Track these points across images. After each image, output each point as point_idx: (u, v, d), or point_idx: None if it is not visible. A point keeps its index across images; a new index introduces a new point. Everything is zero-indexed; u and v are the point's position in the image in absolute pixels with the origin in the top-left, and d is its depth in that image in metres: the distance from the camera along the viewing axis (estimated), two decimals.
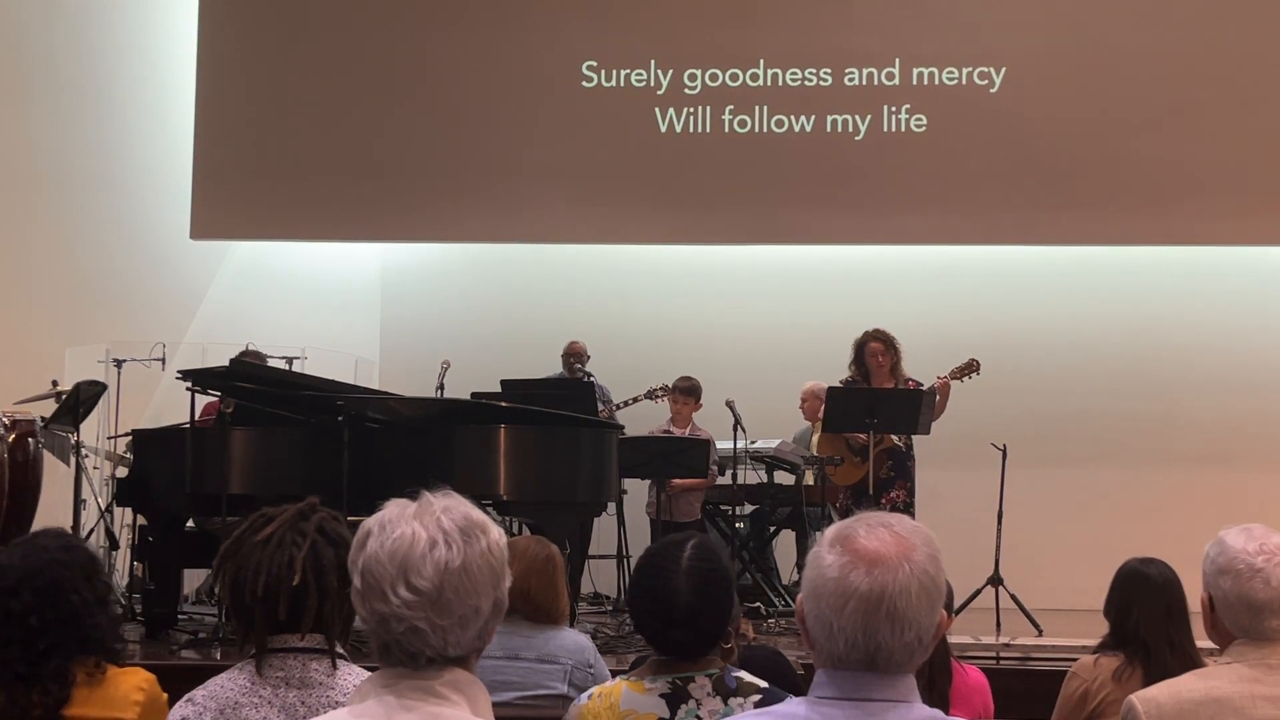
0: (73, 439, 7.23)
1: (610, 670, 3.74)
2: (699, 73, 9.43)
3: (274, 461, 6.43)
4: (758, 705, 2.51)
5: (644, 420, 8.30)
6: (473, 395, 7.29)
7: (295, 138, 9.59)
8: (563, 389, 7.95)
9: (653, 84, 9.46)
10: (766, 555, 8.27)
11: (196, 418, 6.79)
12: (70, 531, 3.04)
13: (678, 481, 7.84)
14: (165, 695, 2.72)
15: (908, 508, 7.42)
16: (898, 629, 1.70)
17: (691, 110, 9.42)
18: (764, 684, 2.60)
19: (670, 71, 9.44)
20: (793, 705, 1.83)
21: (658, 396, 8.25)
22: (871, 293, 9.21)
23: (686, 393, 8.12)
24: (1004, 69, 9.22)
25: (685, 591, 2.57)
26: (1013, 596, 7.00)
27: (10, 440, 7.03)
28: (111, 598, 2.81)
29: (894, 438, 7.43)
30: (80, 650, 2.65)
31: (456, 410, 6.85)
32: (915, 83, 9.27)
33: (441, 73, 9.56)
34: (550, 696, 3.54)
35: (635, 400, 8.30)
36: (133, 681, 2.68)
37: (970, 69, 9.25)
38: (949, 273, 9.43)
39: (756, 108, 9.38)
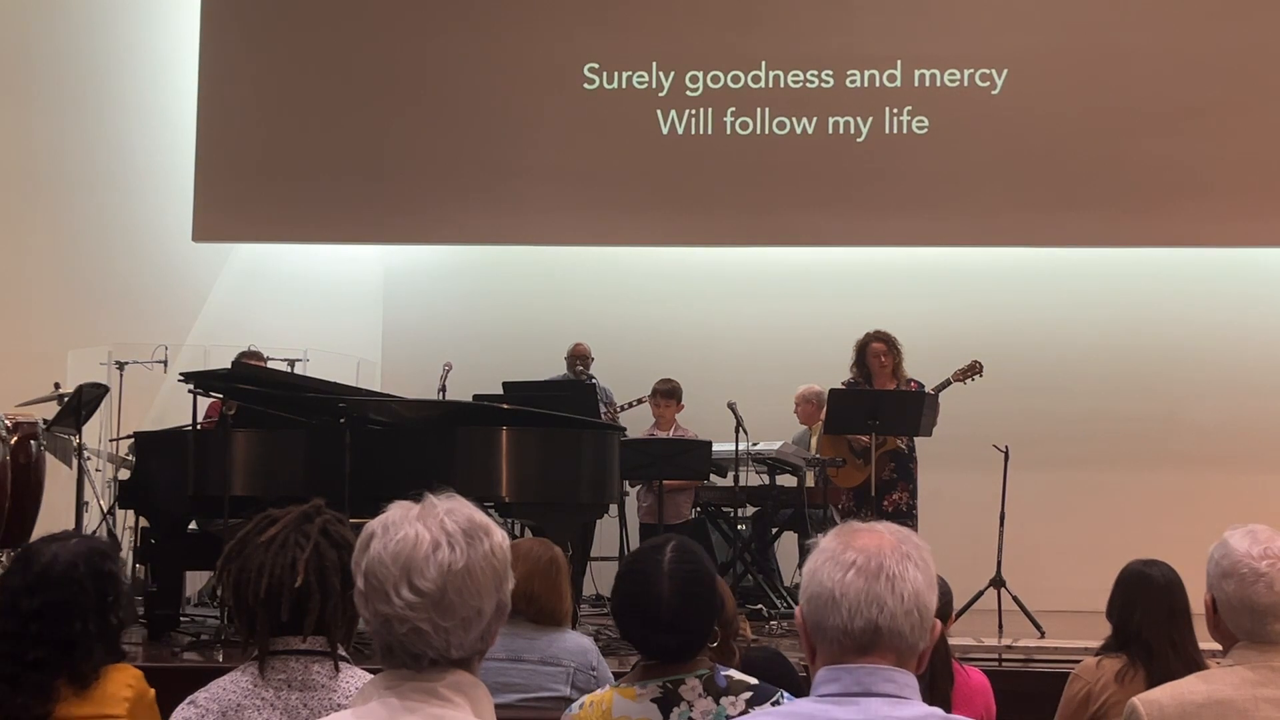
0: (75, 441, 7.23)
1: (613, 672, 3.74)
2: (701, 74, 9.42)
3: (276, 464, 6.42)
4: (749, 702, 2.54)
5: (646, 422, 8.32)
6: (475, 397, 7.29)
7: (297, 140, 9.59)
8: (565, 391, 7.94)
9: (654, 86, 9.46)
10: (768, 557, 8.27)
11: (199, 420, 6.78)
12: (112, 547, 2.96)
13: (666, 482, 7.81)
14: (153, 691, 2.78)
15: (910, 510, 7.43)
16: (898, 593, 1.76)
17: (693, 112, 9.42)
18: (754, 680, 2.61)
19: (672, 73, 9.44)
20: (797, 704, 1.85)
21: (634, 405, 8.26)
22: (873, 295, 9.21)
23: (668, 395, 8.11)
24: (1006, 70, 9.21)
25: (668, 595, 2.57)
26: (1015, 598, 6.99)
27: (12, 443, 7.04)
28: (116, 625, 2.80)
29: (897, 440, 7.43)
30: (65, 672, 2.69)
31: (458, 412, 6.85)
32: (917, 84, 9.27)
33: (443, 75, 9.55)
34: (553, 699, 3.54)
35: (640, 401, 8.30)
36: (121, 679, 2.72)
37: (972, 70, 9.25)
38: (951, 275, 9.42)
39: (758, 109, 9.38)
